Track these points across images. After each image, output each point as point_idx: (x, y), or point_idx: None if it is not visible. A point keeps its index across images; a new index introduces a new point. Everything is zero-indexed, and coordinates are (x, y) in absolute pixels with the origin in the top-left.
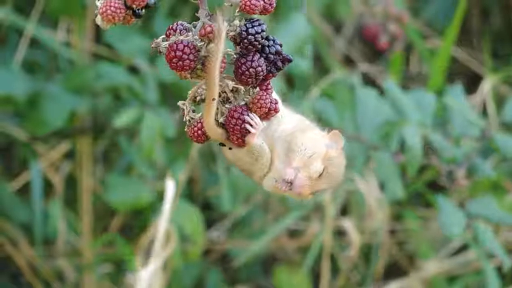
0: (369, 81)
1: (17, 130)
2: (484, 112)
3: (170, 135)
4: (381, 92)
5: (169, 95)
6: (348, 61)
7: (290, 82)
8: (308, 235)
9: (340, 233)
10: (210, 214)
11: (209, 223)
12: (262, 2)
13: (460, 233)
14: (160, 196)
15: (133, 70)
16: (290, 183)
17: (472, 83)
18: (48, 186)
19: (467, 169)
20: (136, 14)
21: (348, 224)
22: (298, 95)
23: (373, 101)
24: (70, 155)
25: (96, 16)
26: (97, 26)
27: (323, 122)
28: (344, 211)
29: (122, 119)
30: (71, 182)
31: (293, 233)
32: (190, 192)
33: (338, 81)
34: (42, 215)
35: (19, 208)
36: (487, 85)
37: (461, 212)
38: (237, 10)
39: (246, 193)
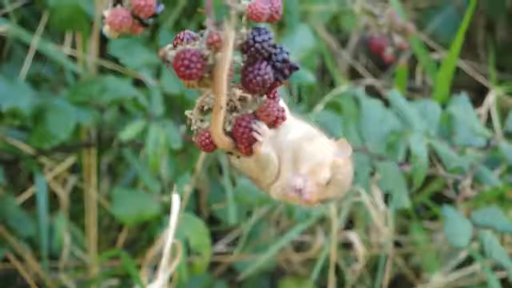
0: (374, 94)
1: (23, 144)
2: (489, 125)
3: (176, 148)
4: (386, 104)
5: (175, 108)
6: (353, 74)
7: (294, 93)
8: (314, 247)
9: (346, 246)
10: (216, 227)
11: (215, 236)
12: (268, 10)
13: (467, 243)
14: (166, 209)
15: (139, 83)
16: (298, 190)
17: (477, 95)
18: (53, 200)
19: (472, 179)
20: (143, 23)
21: (354, 236)
22: (303, 108)
23: (378, 111)
24: (75, 168)
25: (103, 25)
26: (103, 40)
27: (328, 134)
28: (349, 223)
29: (128, 132)
30: (77, 196)
31: (299, 246)
32: (195, 205)
33: (343, 93)
34: (47, 229)
35: (25, 222)
36: (492, 97)
37: (468, 222)
38: (243, 19)
39: (252, 206)
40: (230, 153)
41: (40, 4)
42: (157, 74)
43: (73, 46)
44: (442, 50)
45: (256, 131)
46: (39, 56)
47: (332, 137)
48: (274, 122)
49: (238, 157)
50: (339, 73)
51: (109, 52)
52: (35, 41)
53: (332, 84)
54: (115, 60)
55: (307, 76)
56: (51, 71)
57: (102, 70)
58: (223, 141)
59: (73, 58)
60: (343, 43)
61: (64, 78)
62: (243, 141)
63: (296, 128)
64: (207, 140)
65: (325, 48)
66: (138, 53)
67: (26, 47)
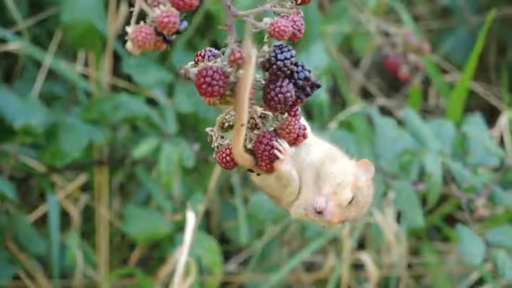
0: (386, 114)
1: (35, 161)
2: (501, 147)
3: (189, 166)
4: (399, 125)
5: (188, 127)
6: (366, 95)
7: (309, 113)
8: (325, 268)
9: (357, 266)
10: (227, 246)
11: (226, 256)
12: (291, 28)
13: (481, 262)
14: (178, 228)
15: (151, 102)
16: (320, 211)
17: (489, 117)
18: (65, 218)
19: (486, 198)
20: (166, 40)
21: (365, 257)
22: (316, 127)
23: (391, 130)
24: (87, 187)
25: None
26: (116, 58)
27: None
28: (361, 244)
29: (141, 149)
30: (89, 214)
31: (310, 266)
32: (207, 225)
33: (356, 113)
34: (59, 247)
35: (37, 240)
36: (504, 119)
37: (481, 241)
38: (265, 36)
39: (264, 225)
40: (250, 170)
41: (53, 22)
42: (170, 93)
43: (87, 64)
44: (455, 71)
45: (277, 148)
46: (52, 74)
47: (354, 158)
48: (295, 140)
49: (259, 174)
50: (351, 93)
51: (122, 70)
52: (48, 59)
53: (344, 104)
54: (128, 78)
55: (320, 96)
56: (63, 88)
57: (114, 88)
58: (244, 158)
59: (85, 76)
60: (355, 63)
61: (77, 96)
62: (264, 159)
63: (318, 148)
64: (227, 157)
65: (338, 68)
66: (151, 71)
67: (39, 65)
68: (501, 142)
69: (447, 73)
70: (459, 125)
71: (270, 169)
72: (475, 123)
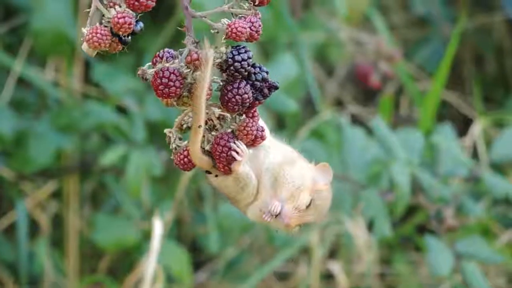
0: (359, 123)
1: (4, 169)
2: (474, 157)
3: (157, 174)
4: (371, 133)
5: (157, 134)
6: (339, 104)
7: (280, 122)
8: (296, 278)
9: (328, 276)
10: (198, 255)
11: (197, 265)
12: (248, 29)
13: (448, 273)
14: (147, 236)
15: (121, 109)
16: (276, 214)
17: (463, 127)
18: (34, 226)
19: (455, 209)
20: (122, 41)
21: (336, 267)
22: (287, 136)
23: (360, 140)
24: (57, 194)
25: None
26: (86, 66)
27: (310, 160)
28: (332, 254)
29: (109, 156)
30: (58, 222)
31: (281, 276)
32: (177, 233)
33: (327, 121)
34: (28, 255)
35: (5, 248)
36: (477, 128)
37: (450, 252)
38: (223, 37)
39: (234, 234)
40: (208, 172)
41: (24, 29)
42: (140, 100)
43: (57, 71)
44: (428, 80)
45: (234, 150)
46: (22, 81)
47: (313, 161)
48: (253, 141)
49: (216, 176)
50: (325, 103)
51: (92, 78)
52: (18, 66)
53: (317, 114)
54: (98, 86)
55: (291, 105)
56: (34, 96)
57: (85, 96)
58: (201, 160)
59: (55, 83)
60: (330, 72)
61: (47, 103)
62: (222, 160)
63: (277, 151)
64: (185, 159)
65: (311, 78)
66: (122, 79)
67: (8, 71)
68: (474, 152)
69: (421, 81)
70: (430, 134)
71: (228, 171)
72: (445, 133)
